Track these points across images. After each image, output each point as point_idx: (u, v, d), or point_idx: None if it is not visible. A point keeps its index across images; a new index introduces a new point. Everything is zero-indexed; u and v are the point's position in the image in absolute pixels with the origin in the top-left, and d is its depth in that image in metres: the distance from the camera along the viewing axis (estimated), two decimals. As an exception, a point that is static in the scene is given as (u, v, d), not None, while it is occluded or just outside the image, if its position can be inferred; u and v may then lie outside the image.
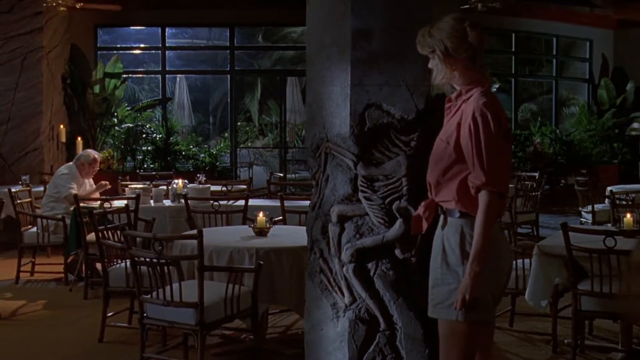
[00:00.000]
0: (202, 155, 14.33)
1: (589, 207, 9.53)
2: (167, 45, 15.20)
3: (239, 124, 17.92)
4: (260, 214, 5.57)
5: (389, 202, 4.01)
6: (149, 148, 14.14)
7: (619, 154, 15.97)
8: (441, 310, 3.35)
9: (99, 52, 14.59)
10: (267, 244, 5.19)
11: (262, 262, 4.87)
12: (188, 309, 4.60)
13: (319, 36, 4.22)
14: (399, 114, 3.99)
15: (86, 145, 12.40)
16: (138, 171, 12.40)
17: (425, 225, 3.55)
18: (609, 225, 8.59)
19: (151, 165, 14.00)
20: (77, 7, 11.78)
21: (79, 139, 12.15)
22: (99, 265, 7.49)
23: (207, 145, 15.42)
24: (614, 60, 17.08)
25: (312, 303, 4.29)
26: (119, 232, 6.02)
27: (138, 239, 5.73)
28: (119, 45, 15.80)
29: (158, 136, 14.20)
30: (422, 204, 3.54)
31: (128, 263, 5.47)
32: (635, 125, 16.02)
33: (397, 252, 4.02)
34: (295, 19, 15.15)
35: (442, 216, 3.42)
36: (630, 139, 16.14)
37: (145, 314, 4.82)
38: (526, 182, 10.50)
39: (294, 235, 5.67)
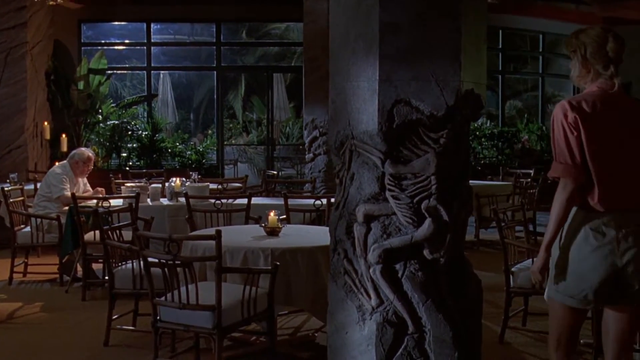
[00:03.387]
0: (189, 152, 14.14)
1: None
2: (152, 41, 14.96)
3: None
4: (272, 214, 5.43)
5: (417, 201, 3.88)
6: (135, 145, 13.93)
7: (605, 151, 15.95)
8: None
9: (82, 48, 14.33)
10: (281, 244, 5.06)
11: (278, 263, 4.73)
12: (204, 312, 4.45)
13: (344, 30, 4.09)
14: (428, 110, 3.86)
15: (70, 143, 12.21)
16: (127, 169, 12.18)
17: None
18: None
19: (137, 163, 13.80)
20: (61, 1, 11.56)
21: (64, 136, 11.94)
22: (94, 266, 7.36)
23: (193, 143, 15.22)
24: (600, 57, 17.06)
25: (335, 305, 4.15)
26: (121, 232, 5.87)
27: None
28: (103, 41, 15.55)
29: (144, 133, 13.99)
30: None
31: (135, 264, 5.33)
32: (620, 122, 16.03)
33: (426, 252, 3.90)
34: (281, 14, 15.10)
35: None
36: (616, 136, 16.12)
37: (158, 317, 4.65)
38: (521, 180, 10.44)
39: (305, 235, 5.55)
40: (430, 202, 3.86)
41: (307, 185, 10.91)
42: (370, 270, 3.95)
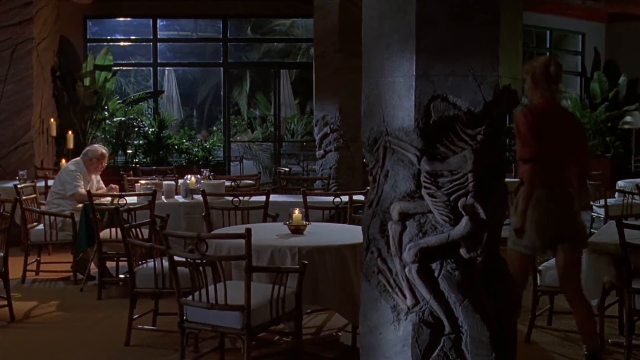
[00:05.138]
0: (196, 149, 14.05)
1: (601, 202, 9.43)
2: (158, 37, 14.84)
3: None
4: (296, 211, 5.34)
5: (454, 198, 3.79)
6: (141, 142, 13.83)
7: (611, 147, 15.89)
8: None
9: (88, 44, 14.23)
10: (308, 243, 4.97)
11: (306, 262, 4.64)
12: (233, 312, 4.36)
13: (378, 24, 4.00)
14: (465, 106, 3.77)
15: (76, 139, 12.09)
16: (137, 166, 12.07)
17: None
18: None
19: (143, 160, 13.71)
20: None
21: (70, 132, 11.83)
22: (108, 264, 7.27)
23: (200, 140, 15.12)
24: (606, 53, 16.99)
25: (369, 305, 4.06)
26: (140, 230, 5.78)
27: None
28: (109, 37, 15.43)
29: (150, 130, 13.89)
30: None
31: (157, 263, 5.25)
32: (627, 118, 15.89)
33: (463, 251, 3.81)
34: (288, 10, 15.00)
35: None
36: (623, 133, 16.03)
37: (184, 317, 4.56)
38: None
39: (330, 232, 5.47)
40: (467, 200, 3.78)
41: (317, 182, 10.83)
42: (406, 270, 3.87)
